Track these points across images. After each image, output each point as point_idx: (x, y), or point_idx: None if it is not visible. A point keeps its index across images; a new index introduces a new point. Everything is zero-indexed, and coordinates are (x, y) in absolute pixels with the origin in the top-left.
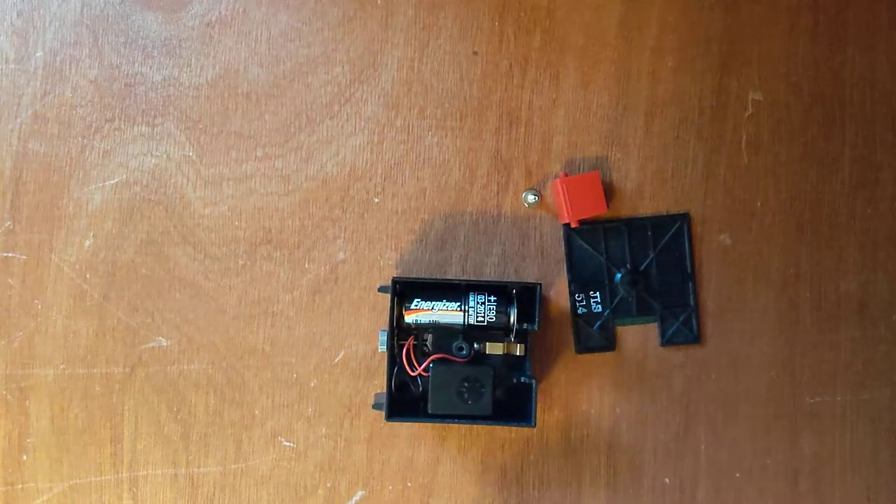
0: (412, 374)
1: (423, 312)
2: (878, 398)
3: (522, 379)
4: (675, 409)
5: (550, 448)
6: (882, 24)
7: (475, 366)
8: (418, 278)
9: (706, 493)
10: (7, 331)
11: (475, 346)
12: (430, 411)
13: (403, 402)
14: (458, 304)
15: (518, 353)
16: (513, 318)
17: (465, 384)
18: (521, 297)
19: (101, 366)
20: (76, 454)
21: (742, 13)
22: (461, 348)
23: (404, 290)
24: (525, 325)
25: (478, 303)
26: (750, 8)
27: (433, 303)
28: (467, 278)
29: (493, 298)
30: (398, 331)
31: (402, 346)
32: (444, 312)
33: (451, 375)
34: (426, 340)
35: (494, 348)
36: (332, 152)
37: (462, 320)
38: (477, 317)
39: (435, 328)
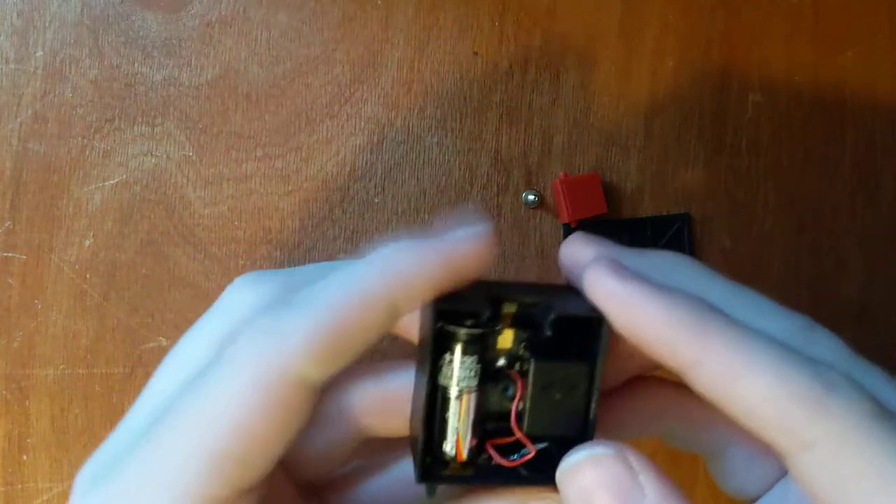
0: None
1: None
2: None
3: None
4: None
5: None
6: (882, 25)
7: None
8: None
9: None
10: (7, 331)
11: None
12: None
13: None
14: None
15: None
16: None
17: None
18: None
19: (101, 366)
20: (76, 454)
21: (743, 15)
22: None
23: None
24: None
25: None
26: (750, 9)
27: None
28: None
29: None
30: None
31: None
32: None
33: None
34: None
35: None
36: (332, 152)
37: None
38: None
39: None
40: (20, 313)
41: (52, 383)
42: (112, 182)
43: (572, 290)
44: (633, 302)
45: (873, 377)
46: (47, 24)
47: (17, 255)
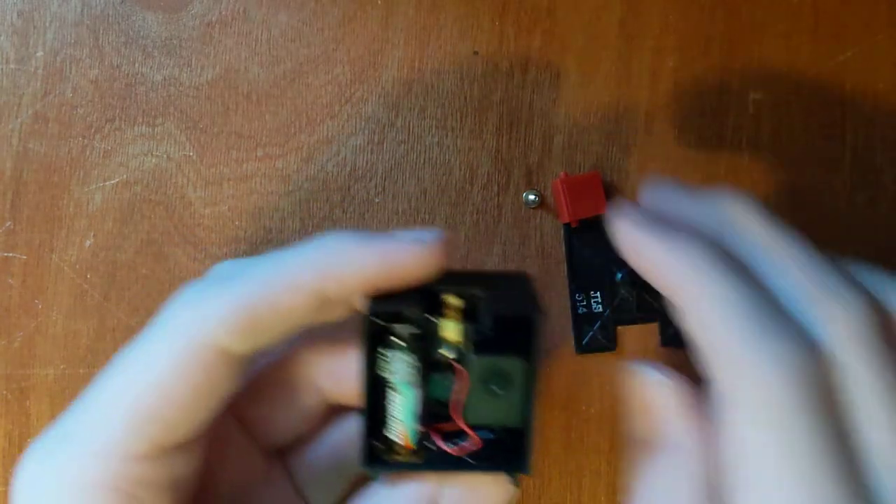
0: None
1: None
2: None
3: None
4: None
5: (550, 448)
6: (882, 24)
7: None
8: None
9: None
10: (7, 331)
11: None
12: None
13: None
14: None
15: None
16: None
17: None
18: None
19: (101, 366)
20: None
21: (742, 13)
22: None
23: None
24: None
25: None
26: (750, 8)
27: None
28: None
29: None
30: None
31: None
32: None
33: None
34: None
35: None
36: (333, 152)
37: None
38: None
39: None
40: (20, 313)
41: (52, 383)
42: (112, 182)
43: (520, 280)
44: (637, 249)
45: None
46: (48, 24)
47: (18, 255)
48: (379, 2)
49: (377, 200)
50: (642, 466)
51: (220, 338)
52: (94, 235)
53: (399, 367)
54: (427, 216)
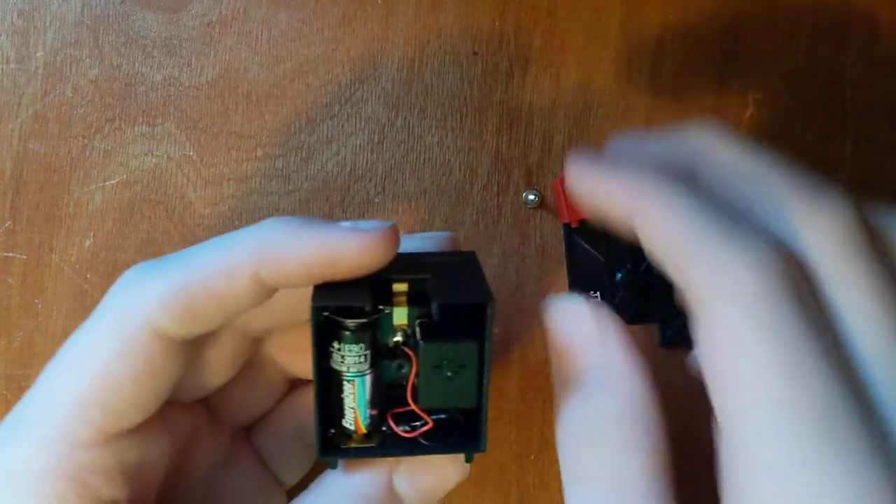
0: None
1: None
2: None
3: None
4: (675, 409)
5: (551, 448)
6: (882, 24)
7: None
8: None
9: None
10: (7, 330)
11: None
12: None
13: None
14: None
15: None
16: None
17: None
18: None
19: None
20: None
21: (742, 13)
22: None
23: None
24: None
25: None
26: (750, 8)
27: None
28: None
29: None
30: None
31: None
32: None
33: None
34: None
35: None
36: (333, 152)
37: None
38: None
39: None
40: (20, 313)
41: None
42: (112, 182)
43: (467, 260)
44: (590, 190)
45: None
46: (48, 24)
47: (18, 255)
48: (379, 2)
49: (377, 200)
50: (563, 412)
51: (158, 321)
52: (94, 235)
53: (350, 360)
54: (427, 216)
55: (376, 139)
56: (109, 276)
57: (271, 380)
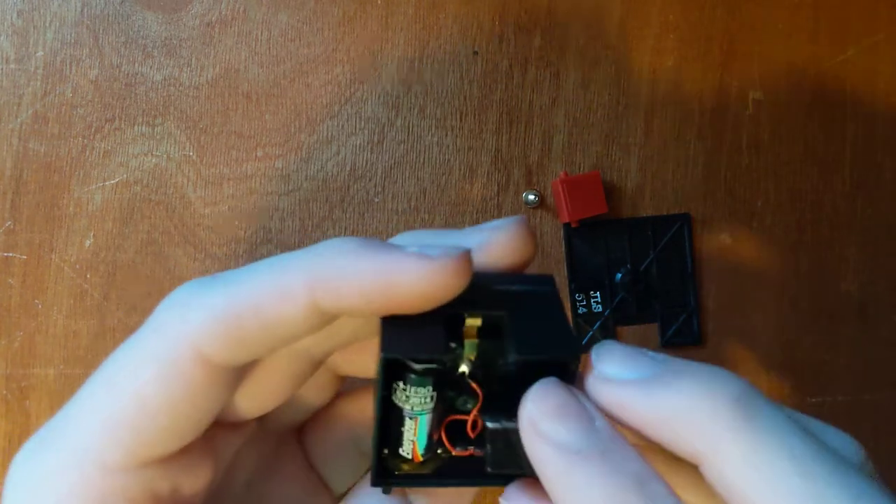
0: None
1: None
2: (879, 398)
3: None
4: None
5: None
6: (882, 23)
7: None
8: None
9: None
10: (7, 330)
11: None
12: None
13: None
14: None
15: None
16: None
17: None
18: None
19: None
20: None
21: (742, 12)
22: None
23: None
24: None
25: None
26: (750, 7)
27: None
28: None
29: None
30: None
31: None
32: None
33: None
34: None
35: None
36: (333, 152)
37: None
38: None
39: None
40: (21, 313)
41: (52, 383)
42: (112, 182)
43: (546, 293)
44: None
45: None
46: (48, 24)
47: (18, 255)
48: (379, 2)
49: (377, 200)
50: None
51: (202, 346)
52: (93, 235)
53: (415, 401)
54: (427, 216)
55: (376, 139)
56: (109, 275)
57: (321, 378)
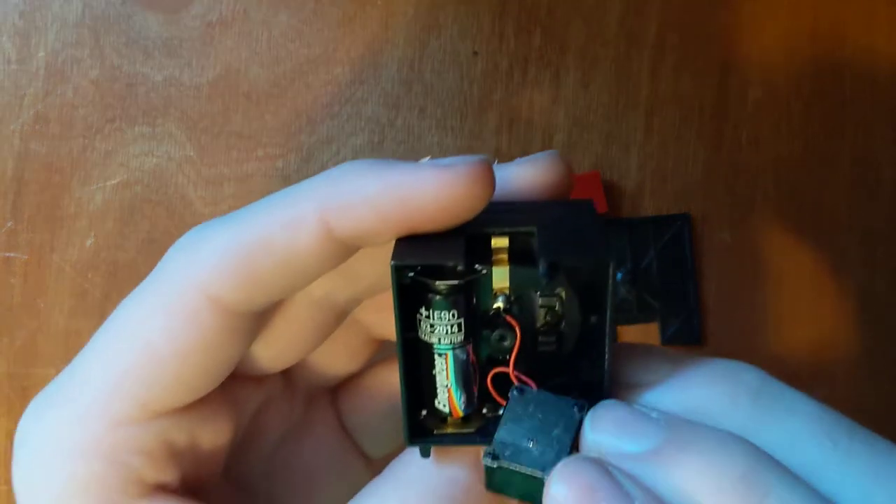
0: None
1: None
2: (879, 398)
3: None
4: None
5: None
6: (882, 23)
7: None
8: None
9: None
10: (9, 330)
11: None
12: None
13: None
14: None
15: None
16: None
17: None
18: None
19: None
20: None
21: (742, 11)
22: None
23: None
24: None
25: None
26: (750, 6)
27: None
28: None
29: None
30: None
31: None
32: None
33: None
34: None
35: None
36: (333, 152)
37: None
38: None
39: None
40: (22, 313)
41: None
42: (113, 182)
43: (582, 209)
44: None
45: None
46: (49, 25)
47: (19, 256)
48: (379, 2)
49: None
50: None
51: (213, 289)
52: (94, 235)
53: (441, 330)
54: None
55: (376, 139)
56: (110, 275)
57: (353, 340)
